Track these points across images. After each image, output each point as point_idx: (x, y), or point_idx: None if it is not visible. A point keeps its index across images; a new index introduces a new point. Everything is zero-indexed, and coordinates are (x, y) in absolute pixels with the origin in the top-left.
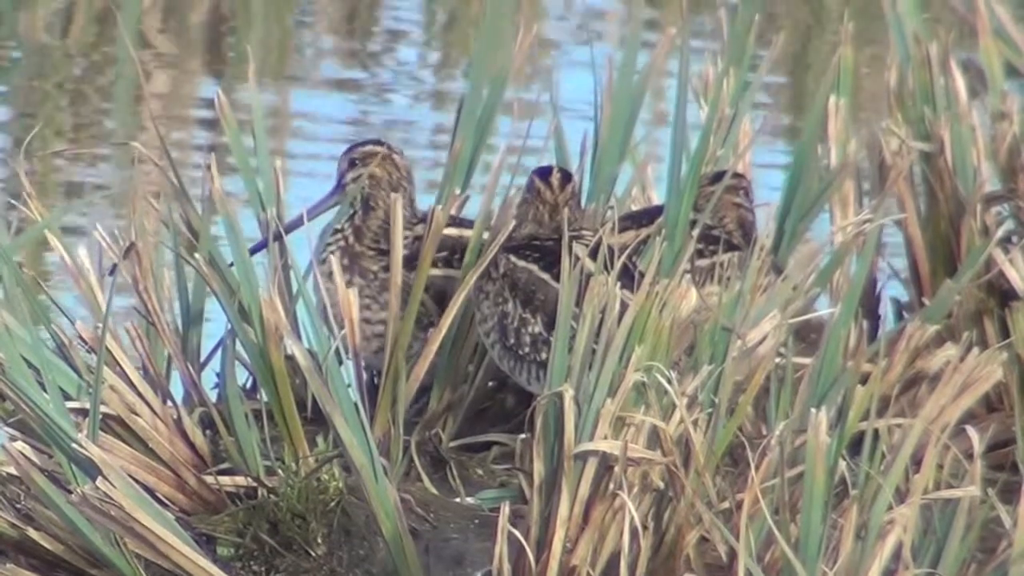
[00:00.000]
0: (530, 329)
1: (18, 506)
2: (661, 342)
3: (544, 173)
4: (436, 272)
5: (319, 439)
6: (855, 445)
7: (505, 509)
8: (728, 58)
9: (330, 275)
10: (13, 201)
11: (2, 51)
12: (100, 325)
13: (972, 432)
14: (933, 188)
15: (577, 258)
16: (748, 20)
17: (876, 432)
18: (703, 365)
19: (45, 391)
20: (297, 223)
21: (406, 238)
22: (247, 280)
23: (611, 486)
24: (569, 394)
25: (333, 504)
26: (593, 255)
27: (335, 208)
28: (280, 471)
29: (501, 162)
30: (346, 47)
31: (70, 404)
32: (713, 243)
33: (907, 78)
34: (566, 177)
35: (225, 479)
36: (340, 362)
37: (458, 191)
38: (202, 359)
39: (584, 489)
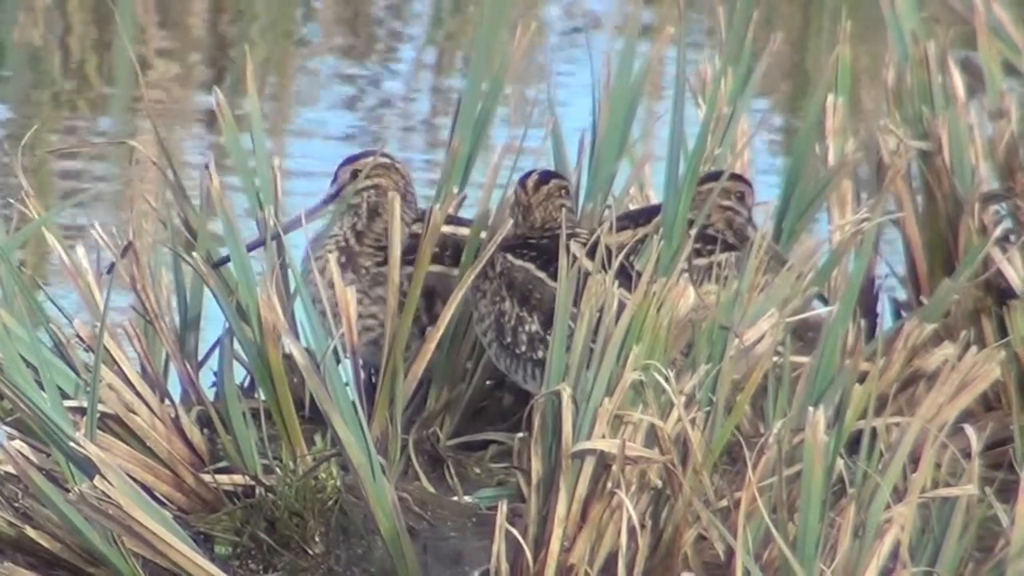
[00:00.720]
0: (527, 328)
1: (16, 505)
2: (659, 341)
3: (524, 176)
4: (436, 270)
5: (317, 438)
6: (853, 444)
7: (503, 508)
8: (726, 57)
9: (329, 280)
10: (11, 200)
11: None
12: (98, 324)
13: (970, 431)
14: (931, 187)
15: (574, 257)
16: (746, 19)
17: (874, 431)
18: (701, 364)
19: (43, 390)
20: (295, 224)
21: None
22: (245, 279)
23: (609, 485)
24: (567, 393)
25: (331, 503)
26: (591, 254)
27: (330, 211)
28: (278, 470)
29: (499, 161)
30: (346, 45)
31: (68, 403)
32: (711, 243)
33: (905, 77)
34: (542, 179)
35: (223, 478)
36: (338, 361)
37: (456, 190)
38: (200, 358)
39: (582, 488)
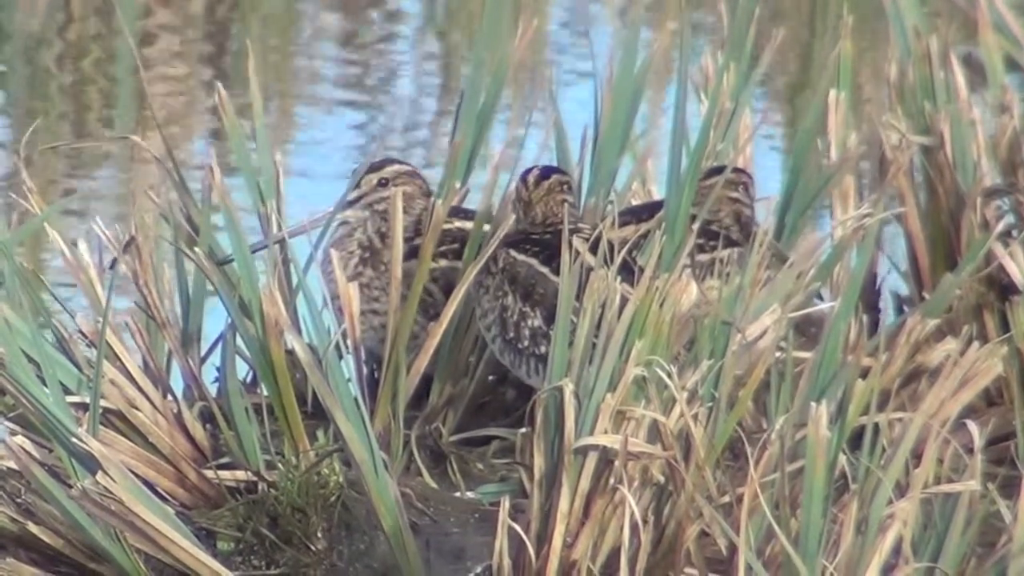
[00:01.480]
0: (530, 323)
1: (18, 500)
2: (661, 336)
3: (526, 171)
4: (445, 264)
5: (319, 433)
6: (855, 439)
7: (505, 503)
8: (728, 52)
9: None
10: (13, 195)
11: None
12: (100, 319)
13: (972, 426)
14: (933, 182)
15: (577, 252)
16: (748, 14)
17: (876, 426)
18: (703, 359)
19: (45, 385)
20: (300, 230)
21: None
22: (247, 274)
23: (611, 480)
24: (569, 388)
25: (333, 498)
26: (593, 249)
27: (347, 217)
28: (280, 465)
29: (501, 156)
30: (345, 42)
31: (70, 398)
32: (713, 239)
33: (907, 72)
34: (543, 174)
35: (225, 473)
36: (340, 356)
37: (458, 185)
38: (202, 353)
39: (584, 483)
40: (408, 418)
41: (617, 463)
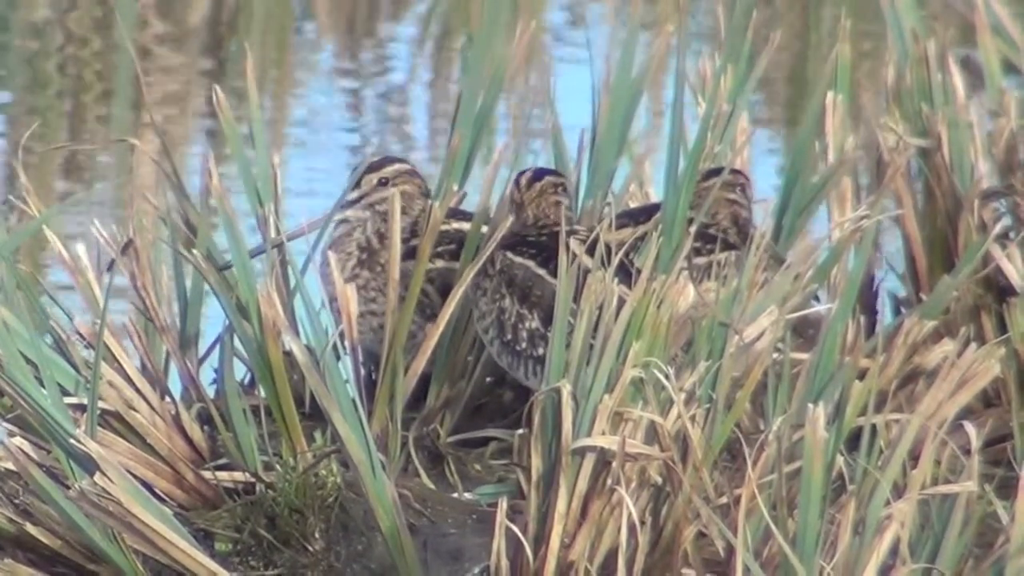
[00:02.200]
0: (527, 325)
1: (16, 502)
2: (659, 338)
3: (520, 173)
4: (442, 264)
5: (317, 435)
6: (853, 440)
7: (503, 504)
8: (726, 54)
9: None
10: (12, 197)
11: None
12: (98, 321)
13: (970, 428)
14: (931, 184)
15: (574, 254)
16: (746, 16)
17: (874, 427)
18: (701, 361)
19: (43, 387)
20: (298, 233)
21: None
22: (245, 276)
23: (609, 481)
24: (567, 390)
25: (331, 499)
26: (590, 251)
27: (347, 217)
28: (278, 467)
29: (498, 158)
30: (343, 42)
31: (68, 400)
32: (710, 242)
33: (905, 75)
34: (536, 176)
35: (223, 475)
36: (338, 358)
37: (456, 187)
38: (200, 355)
39: (582, 484)
40: (406, 419)
41: (615, 464)
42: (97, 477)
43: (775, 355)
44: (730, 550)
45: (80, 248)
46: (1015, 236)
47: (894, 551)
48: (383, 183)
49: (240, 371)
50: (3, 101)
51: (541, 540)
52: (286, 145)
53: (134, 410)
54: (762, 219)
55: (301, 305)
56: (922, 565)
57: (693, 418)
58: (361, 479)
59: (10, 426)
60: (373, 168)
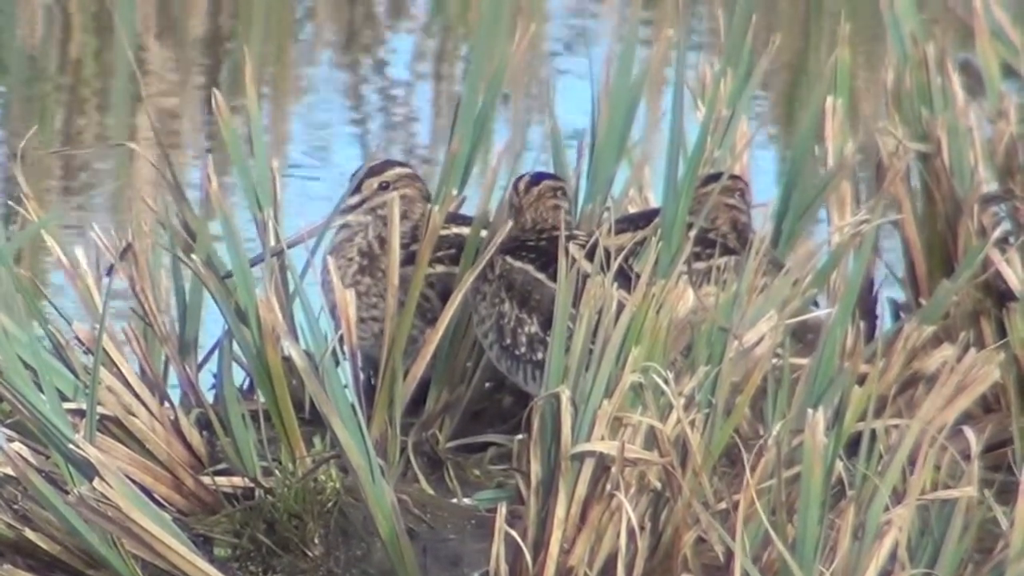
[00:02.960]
0: (526, 329)
1: (15, 507)
2: (658, 343)
3: (518, 178)
4: (442, 269)
5: (316, 440)
6: (852, 446)
7: (502, 510)
8: (725, 58)
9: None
10: (10, 202)
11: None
12: (97, 326)
13: (969, 433)
14: (930, 189)
15: (574, 259)
16: (745, 21)
17: (873, 432)
18: (700, 366)
19: (42, 392)
20: (298, 240)
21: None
22: (244, 281)
23: (608, 487)
24: (566, 395)
25: (330, 505)
26: (589, 255)
27: (347, 222)
28: (277, 472)
29: (498, 163)
30: (344, 45)
31: (67, 405)
32: (710, 247)
33: (904, 79)
34: (533, 180)
35: (222, 480)
36: (337, 363)
37: (455, 192)
38: (199, 360)
39: (581, 490)
40: (405, 424)
41: (614, 469)
42: (96, 482)
43: (774, 360)
44: (729, 555)
45: (79, 253)
46: (1014, 241)
47: (893, 556)
48: (384, 187)
49: (239, 376)
50: (1, 106)
51: (540, 545)
52: (286, 151)
53: (133, 415)
54: (761, 224)
55: (300, 310)
56: (921, 570)
57: (692, 423)
58: (360, 484)
59: (9, 431)
60: (374, 172)
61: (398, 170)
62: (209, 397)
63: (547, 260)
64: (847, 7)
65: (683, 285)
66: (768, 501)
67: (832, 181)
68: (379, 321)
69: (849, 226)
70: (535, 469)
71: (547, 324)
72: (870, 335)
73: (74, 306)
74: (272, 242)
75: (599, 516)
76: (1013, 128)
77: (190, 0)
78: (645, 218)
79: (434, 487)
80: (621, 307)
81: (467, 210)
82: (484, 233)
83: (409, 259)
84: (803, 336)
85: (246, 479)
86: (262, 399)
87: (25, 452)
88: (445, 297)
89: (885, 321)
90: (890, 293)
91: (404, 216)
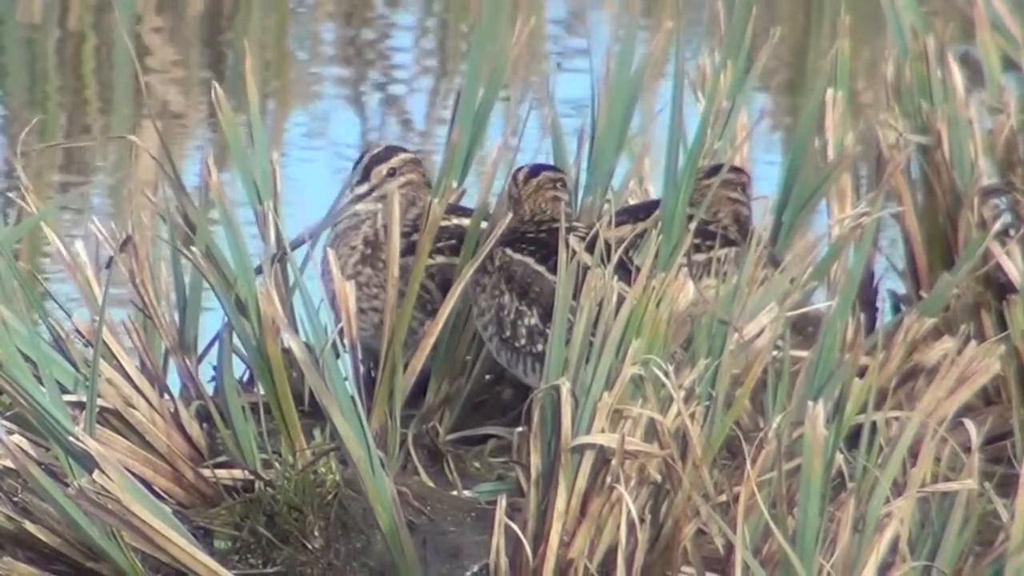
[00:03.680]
0: (526, 321)
1: (15, 499)
2: (658, 335)
3: (517, 169)
4: (442, 260)
5: (316, 432)
6: (852, 438)
7: (502, 502)
8: (725, 50)
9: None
10: (10, 194)
11: None
12: (97, 318)
13: (970, 425)
14: (930, 181)
15: (574, 251)
16: (745, 13)
17: (873, 425)
18: (700, 358)
19: (42, 384)
20: (300, 241)
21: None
22: (244, 273)
23: (608, 479)
24: (566, 387)
25: (330, 497)
26: (590, 248)
27: (354, 213)
28: (277, 464)
29: (498, 155)
30: (343, 37)
31: (67, 397)
32: (710, 238)
33: (904, 71)
34: (532, 172)
35: (222, 472)
36: (337, 355)
37: (455, 184)
38: (199, 352)
39: (581, 482)
40: (405, 417)
41: (614, 462)
42: (96, 475)
43: (775, 352)
44: (729, 548)
45: (79, 245)
46: (1015, 233)
47: (894, 549)
48: (391, 174)
49: (239, 368)
50: (1, 97)
51: (540, 538)
52: (286, 142)
53: (133, 408)
54: (762, 216)
55: (300, 302)
56: (922, 563)
57: (692, 416)
58: (360, 477)
59: (9, 424)
60: (380, 159)
61: (402, 155)
62: (209, 389)
63: (547, 252)
64: None
65: (683, 277)
66: (768, 493)
67: (832, 173)
68: (379, 312)
69: (849, 218)
70: (535, 461)
71: (547, 316)
72: (870, 327)
73: (74, 298)
74: (272, 235)
75: (599, 508)
76: (1013, 120)
77: None
78: (645, 210)
79: (434, 479)
80: (621, 299)
81: (467, 202)
82: (484, 225)
83: (411, 249)
84: (803, 328)
85: (246, 471)
86: (262, 391)
87: (25, 444)
88: (445, 288)
89: (885, 313)
90: (890, 285)
91: (412, 202)
